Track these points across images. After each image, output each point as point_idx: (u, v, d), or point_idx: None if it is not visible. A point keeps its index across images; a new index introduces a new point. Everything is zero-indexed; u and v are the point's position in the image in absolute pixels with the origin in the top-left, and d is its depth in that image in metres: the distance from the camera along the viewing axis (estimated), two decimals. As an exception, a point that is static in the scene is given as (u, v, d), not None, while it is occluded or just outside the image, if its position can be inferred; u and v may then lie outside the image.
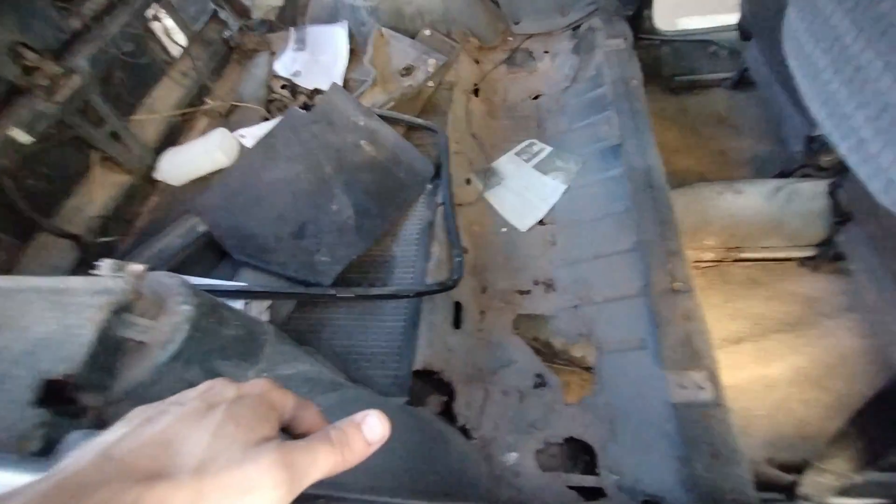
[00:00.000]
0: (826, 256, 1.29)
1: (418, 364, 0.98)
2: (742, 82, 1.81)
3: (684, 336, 0.99)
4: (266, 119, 1.61)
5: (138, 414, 0.26)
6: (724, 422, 0.88)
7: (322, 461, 0.26)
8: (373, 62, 1.56)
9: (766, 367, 1.21)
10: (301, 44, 1.83)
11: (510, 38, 1.89)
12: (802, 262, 1.35)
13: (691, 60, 1.90)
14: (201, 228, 1.14)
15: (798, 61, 0.61)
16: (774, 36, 1.21)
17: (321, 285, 1.07)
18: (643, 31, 1.84)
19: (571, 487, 0.91)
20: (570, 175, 1.44)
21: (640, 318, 1.06)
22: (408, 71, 1.56)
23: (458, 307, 1.15)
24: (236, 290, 0.92)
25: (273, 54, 1.85)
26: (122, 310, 0.54)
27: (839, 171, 1.25)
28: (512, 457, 0.96)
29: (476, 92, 1.72)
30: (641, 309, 1.07)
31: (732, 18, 1.75)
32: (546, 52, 1.85)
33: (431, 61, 1.54)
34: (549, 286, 1.24)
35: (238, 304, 0.92)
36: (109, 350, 0.52)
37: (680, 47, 1.89)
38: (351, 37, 1.75)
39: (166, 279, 0.63)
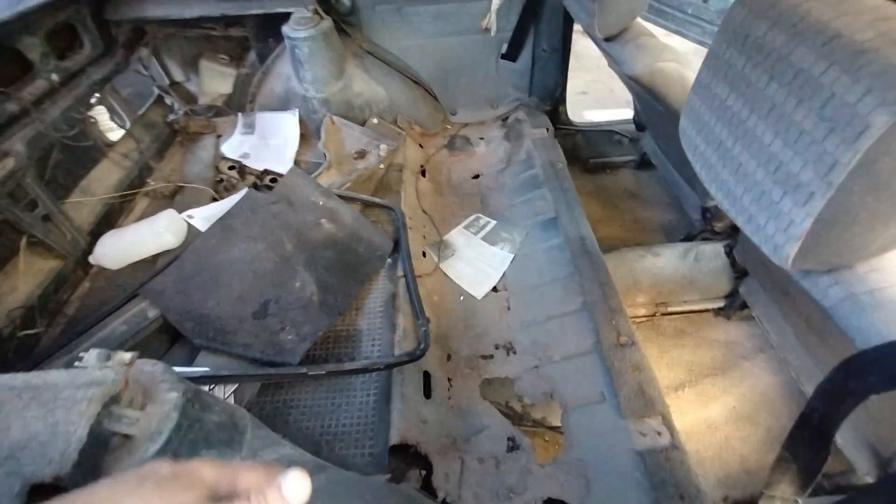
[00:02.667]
0: (734, 306, 1.52)
1: (395, 438, 0.96)
2: (643, 163, 2.17)
3: (637, 386, 1.09)
4: (214, 199, 1.60)
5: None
6: (683, 463, 0.96)
7: None
8: (326, 146, 1.66)
9: (706, 409, 1.35)
10: (249, 128, 1.89)
11: (449, 126, 2.12)
12: (716, 312, 1.57)
13: (601, 146, 2.25)
14: (152, 313, 1.08)
15: (695, 158, 0.80)
16: (664, 130, 1.51)
17: (289, 364, 1.04)
18: (560, 122, 2.17)
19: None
20: (516, 245, 1.58)
21: (597, 372, 1.15)
22: (361, 155, 1.67)
23: (426, 377, 1.17)
24: (202, 375, 0.87)
25: (219, 137, 1.88)
26: (111, 401, 0.51)
27: (731, 234, 1.52)
28: (496, 527, 0.95)
29: (423, 172, 1.86)
30: (596, 364, 1.16)
31: (628, 113, 2.14)
32: (481, 138, 2.08)
33: (383, 146, 1.67)
34: (509, 349, 1.31)
35: (202, 392, 0.86)
36: (98, 446, 0.48)
37: (591, 135, 2.24)
38: (301, 123, 1.85)
39: (149, 367, 0.60)
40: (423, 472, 0.99)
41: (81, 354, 0.53)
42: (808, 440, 0.71)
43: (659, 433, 1.01)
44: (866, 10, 0.46)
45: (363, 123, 1.85)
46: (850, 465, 1.03)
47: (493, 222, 1.68)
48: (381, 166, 1.67)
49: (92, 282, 1.35)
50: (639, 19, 1.32)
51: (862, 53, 0.43)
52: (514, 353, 1.29)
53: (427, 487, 0.97)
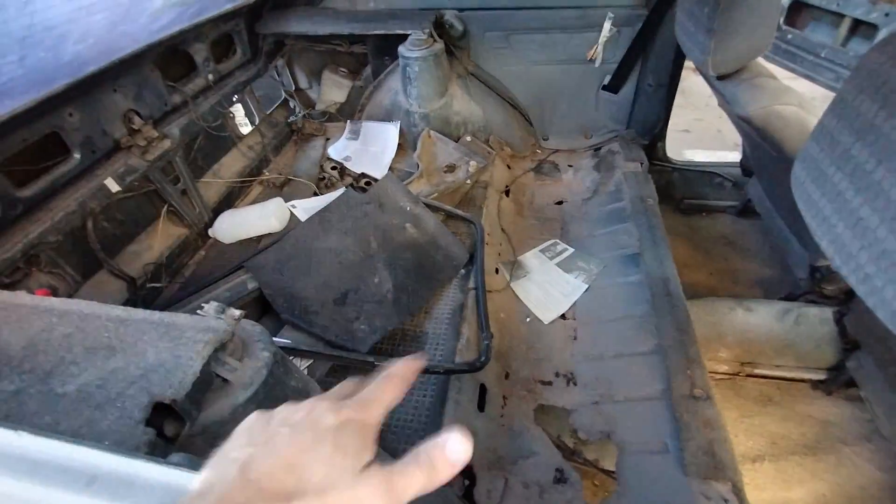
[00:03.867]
0: (838, 381, 1.34)
1: (444, 442, 0.99)
2: (746, 210, 2.00)
3: (706, 444, 1.00)
4: (315, 194, 1.78)
5: (254, 429, 0.31)
6: (751, 540, 0.87)
7: (415, 483, 0.29)
8: (420, 157, 1.76)
9: (788, 490, 1.20)
10: (355, 134, 2.07)
11: (539, 151, 2.14)
12: (815, 384, 1.39)
13: (699, 187, 2.12)
14: (251, 285, 1.22)
15: (806, 207, 0.74)
16: (774, 177, 1.39)
17: (358, 352, 1.11)
18: (656, 158, 2.08)
19: None
20: (592, 276, 1.54)
21: (662, 421, 1.08)
22: (451, 169, 1.75)
23: (482, 390, 1.18)
24: (285, 346, 0.97)
25: (328, 140, 2.08)
26: (220, 348, 0.60)
27: (843, 301, 1.35)
28: (532, 556, 0.92)
29: (507, 192, 1.90)
30: (663, 412, 1.09)
31: (734, 156, 2.00)
32: (570, 165, 2.07)
33: (473, 163, 1.74)
34: (570, 379, 1.28)
35: (283, 361, 0.96)
36: (205, 383, 0.57)
37: (689, 175, 2.12)
38: (401, 134, 1.99)
39: (249, 326, 0.69)
40: (467, 482, 1.00)
41: (202, 304, 0.63)
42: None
43: (727, 501, 0.92)
44: None
45: (457, 140, 1.94)
46: None
47: (571, 250, 1.65)
48: (468, 181, 1.74)
49: (208, 251, 1.56)
50: (760, 59, 1.25)
51: None
52: (575, 384, 1.26)
53: (468, 497, 0.98)
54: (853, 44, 2.02)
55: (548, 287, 1.54)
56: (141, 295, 1.30)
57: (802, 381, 1.41)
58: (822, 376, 1.38)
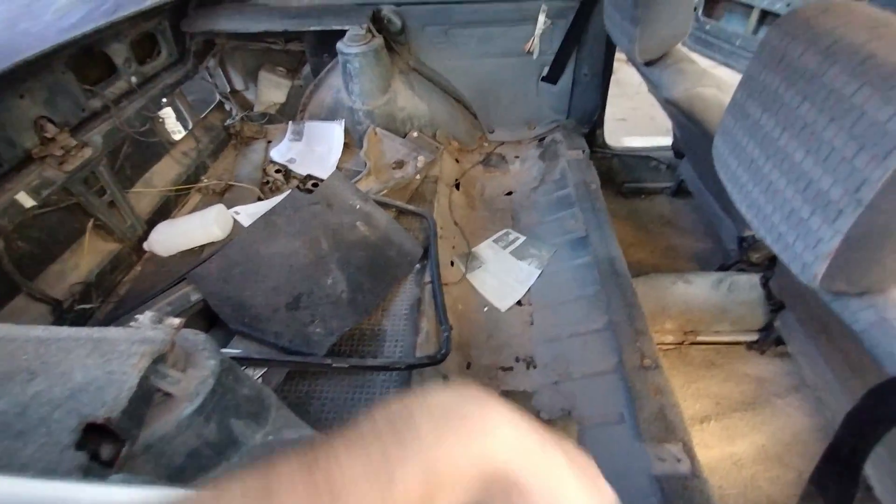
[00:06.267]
0: (768, 340, 1.46)
1: (410, 437, 0.98)
2: (680, 191, 2.14)
3: (658, 410, 1.06)
4: (259, 199, 1.71)
5: None
6: (703, 493, 0.93)
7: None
8: (367, 155, 1.74)
9: (732, 445, 1.29)
10: (298, 135, 2.00)
11: (486, 143, 2.17)
12: (749, 345, 1.51)
13: (637, 171, 2.24)
14: (195, 297, 1.15)
15: (727, 177, 0.80)
16: (701, 156, 1.50)
17: (315, 355, 1.08)
18: (596, 145, 2.18)
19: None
20: (543, 261, 1.59)
21: (617, 392, 1.13)
22: (399, 165, 1.74)
23: (445, 381, 1.18)
24: (235, 356, 0.92)
25: (269, 142, 2.01)
26: (158, 360, 0.56)
27: (768, 266, 1.47)
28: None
29: (457, 186, 1.91)
30: (617, 384, 1.14)
31: (666, 140, 2.13)
32: (517, 156, 2.12)
33: (421, 158, 1.73)
34: (529, 363, 1.31)
35: (234, 371, 0.91)
36: (144, 398, 0.53)
37: (627, 160, 2.23)
38: (346, 132, 1.95)
39: (191, 336, 0.66)
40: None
41: (137, 316, 0.59)
42: (836, 473, 0.69)
43: (679, 460, 0.98)
44: (900, 33, 0.47)
45: (404, 136, 1.93)
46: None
47: (523, 238, 1.69)
48: (418, 177, 1.73)
49: (144, 266, 1.45)
50: (683, 48, 1.34)
51: (894, 74, 0.44)
52: (535, 367, 1.29)
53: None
54: (762, 32, 2.21)
55: (503, 276, 1.56)
56: (69, 318, 1.20)
57: (739, 343, 1.53)
58: (755, 337, 1.50)
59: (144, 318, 0.59)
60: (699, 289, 1.56)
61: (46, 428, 0.47)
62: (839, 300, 0.59)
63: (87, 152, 1.27)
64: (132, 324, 0.59)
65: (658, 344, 1.55)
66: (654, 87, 1.32)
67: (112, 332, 0.57)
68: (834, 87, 0.50)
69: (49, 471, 0.44)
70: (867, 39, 0.48)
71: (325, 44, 1.78)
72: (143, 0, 1.39)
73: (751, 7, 2.31)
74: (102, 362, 0.53)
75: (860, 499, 0.67)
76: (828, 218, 0.51)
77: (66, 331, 0.57)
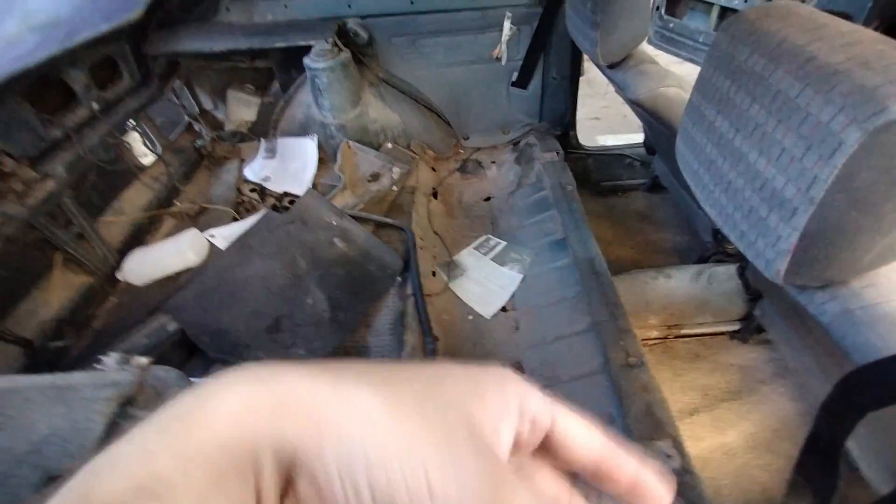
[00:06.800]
0: (750, 329, 1.49)
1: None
2: (655, 186, 2.17)
3: (645, 407, 1.07)
4: (235, 220, 1.68)
5: None
6: (695, 489, 0.94)
7: None
8: (342, 169, 1.73)
9: (722, 435, 1.31)
10: (271, 153, 1.98)
11: (461, 151, 2.18)
12: (732, 335, 1.54)
13: (612, 169, 2.27)
14: (171, 328, 1.13)
15: (690, 177, 0.81)
16: (671, 154, 1.52)
17: (298, 378, 1.06)
18: (570, 146, 2.20)
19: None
20: (525, 265, 1.59)
21: (605, 393, 1.14)
22: (375, 177, 1.73)
23: (433, 394, 1.18)
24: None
25: (242, 161, 1.98)
26: (127, 402, 0.54)
27: (743, 256, 1.50)
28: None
29: (435, 194, 1.91)
30: (604, 384, 1.15)
31: (639, 137, 2.16)
32: (493, 162, 2.13)
33: (396, 169, 1.73)
34: (518, 369, 1.31)
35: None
36: (113, 444, 0.52)
37: (601, 159, 2.27)
38: (319, 147, 1.93)
39: (163, 372, 0.64)
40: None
41: (101, 357, 0.57)
42: (817, 461, 0.70)
43: (669, 456, 0.99)
44: (838, 34, 0.48)
45: (378, 148, 1.92)
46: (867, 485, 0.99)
47: (503, 243, 1.70)
48: (394, 188, 1.73)
49: (119, 297, 1.42)
50: (646, 46, 1.37)
51: (834, 75, 0.45)
52: (523, 372, 1.29)
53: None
54: (722, 27, 2.26)
55: (485, 282, 1.57)
56: (44, 358, 1.16)
57: (722, 333, 1.55)
58: (736, 327, 1.53)
59: (109, 360, 0.57)
60: (679, 282, 1.58)
61: (7, 486, 0.45)
62: (805, 294, 0.61)
63: (50, 184, 1.24)
64: (97, 366, 0.57)
65: (643, 340, 1.57)
66: (620, 89, 1.35)
67: (76, 377, 0.55)
68: (780, 89, 0.51)
69: (10, 532, 0.42)
70: (808, 41, 0.50)
71: (293, 59, 1.77)
72: (98, 25, 1.37)
73: (711, 4, 2.37)
74: (67, 411, 0.51)
75: (848, 479, 0.68)
76: (784, 216, 0.52)
77: (26, 379, 0.55)
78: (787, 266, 0.55)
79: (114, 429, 0.52)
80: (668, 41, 2.62)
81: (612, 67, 1.29)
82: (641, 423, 1.04)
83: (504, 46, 1.86)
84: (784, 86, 0.50)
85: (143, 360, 0.59)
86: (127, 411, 0.55)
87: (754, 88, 0.55)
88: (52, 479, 0.45)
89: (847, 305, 0.56)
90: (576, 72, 1.95)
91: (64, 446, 0.48)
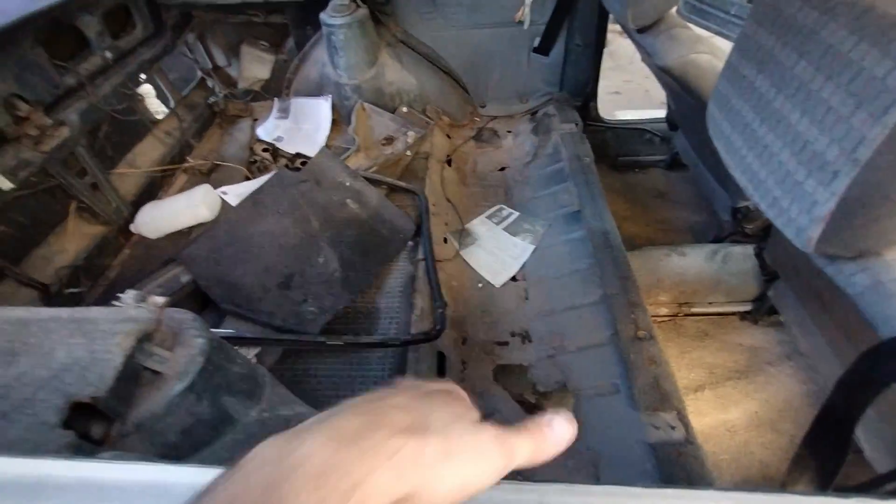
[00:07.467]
0: (761, 310, 1.47)
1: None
2: (674, 164, 2.12)
3: (652, 379, 1.07)
4: (247, 178, 1.67)
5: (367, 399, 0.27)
6: (697, 459, 0.95)
7: (525, 449, 0.27)
8: (356, 132, 1.70)
9: (725, 412, 1.31)
10: (284, 112, 1.95)
11: (477, 119, 2.13)
12: (743, 315, 1.52)
13: (631, 144, 2.21)
14: (185, 278, 1.14)
15: (721, 143, 0.78)
16: (696, 128, 1.47)
17: (310, 334, 1.08)
18: (590, 118, 2.14)
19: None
20: (537, 236, 1.58)
21: (612, 364, 1.14)
22: (389, 141, 1.70)
23: (441, 358, 1.19)
24: (229, 336, 0.91)
25: (255, 120, 1.95)
26: (144, 339, 0.55)
27: (762, 237, 1.47)
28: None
29: (449, 162, 1.88)
30: (612, 355, 1.15)
31: (661, 113, 2.09)
32: (509, 131, 2.08)
33: (411, 133, 1.70)
34: (525, 337, 1.31)
35: (227, 351, 0.91)
36: (131, 377, 0.52)
37: (621, 133, 2.20)
38: (333, 108, 1.90)
39: (179, 314, 0.64)
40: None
41: (119, 295, 0.57)
42: (828, 436, 0.69)
43: (673, 427, 0.99)
44: (902, -17, 0.45)
45: (393, 111, 1.88)
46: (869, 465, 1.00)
47: (516, 213, 1.68)
48: (408, 153, 1.70)
49: (132, 249, 1.43)
50: (674, 12, 1.30)
51: (893, 27, 0.42)
52: (530, 341, 1.30)
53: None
54: (758, -2, 2.15)
55: (497, 252, 1.55)
56: (59, 303, 1.18)
57: (732, 314, 1.54)
58: (748, 307, 1.52)
59: (127, 296, 0.58)
60: (693, 261, 1.56)
61: (31, 408, 0.46)
62: (833, 264, 0.59)
63: (65, 132, 1.23)
64: (114, 303, 0.57)
65: (652, 316, 1.56)
66: (648, 55, 1.29)
67: (94, 311, 0.56)
68: (831, 43, 0.48)
69: (37, 450, 0.43)
70: (868, -9, 0.46)
71: (309, 15, 1.72)
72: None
73: (747, -29, 2.25)
74: (86, 342, 0.51)
75: (851, 461, 0.68)
76: (823, 180, 0.50)
77: (47, 311, 0.56)
78: (819, 234, 0.53)
79: (130, 361, 0.52)
80: (697, 12, 2.51)
81: (641, 32, 1.23)
82: (647, 395, 1.05)
83: (527, 10, 1.79)
84: (836, 39, 0.47)
85: (160, 299, 0.59)
86: (144, 347, 0.56)
87: (802, 44, 0.52)
88: (74, 404, 0.46)
89: (878, 277, 0.55)
90: (601, 39, 1.88)
91: (83, 375, 0.49)
